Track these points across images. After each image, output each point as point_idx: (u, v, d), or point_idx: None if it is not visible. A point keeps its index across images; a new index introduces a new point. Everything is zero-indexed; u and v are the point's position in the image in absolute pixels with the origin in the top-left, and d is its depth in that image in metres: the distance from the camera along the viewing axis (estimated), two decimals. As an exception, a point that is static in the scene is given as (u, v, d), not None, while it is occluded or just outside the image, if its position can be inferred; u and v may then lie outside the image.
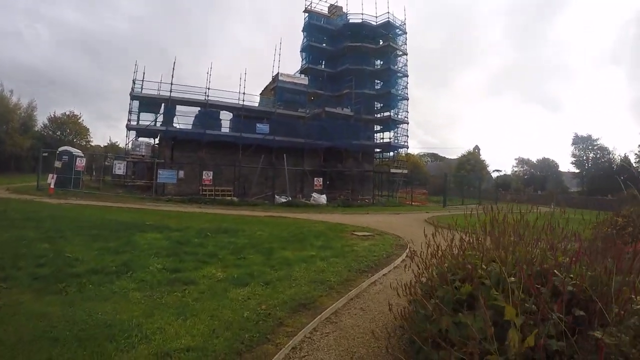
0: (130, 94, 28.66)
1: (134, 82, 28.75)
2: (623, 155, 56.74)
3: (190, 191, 26.78)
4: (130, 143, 30.54)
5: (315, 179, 28.33)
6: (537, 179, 66.82)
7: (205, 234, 10.06)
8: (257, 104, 34.57)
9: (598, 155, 59.07)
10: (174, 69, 30.76)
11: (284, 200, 25.46)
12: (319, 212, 20.91)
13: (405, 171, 37.13)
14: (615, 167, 56.15)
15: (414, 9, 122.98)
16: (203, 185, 26.03)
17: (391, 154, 39.87)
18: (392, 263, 7.91)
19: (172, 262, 6.82)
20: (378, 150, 40.80)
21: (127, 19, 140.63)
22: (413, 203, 31.50)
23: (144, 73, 30.78)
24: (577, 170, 61.46)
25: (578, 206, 40.56)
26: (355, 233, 11.98)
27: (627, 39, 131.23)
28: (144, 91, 29.25)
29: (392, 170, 35.85)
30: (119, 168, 28.61)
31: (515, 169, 72.90)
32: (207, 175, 25.46)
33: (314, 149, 32.67)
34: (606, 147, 58.74)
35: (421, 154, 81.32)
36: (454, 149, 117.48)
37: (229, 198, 25.37)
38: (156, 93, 29.32)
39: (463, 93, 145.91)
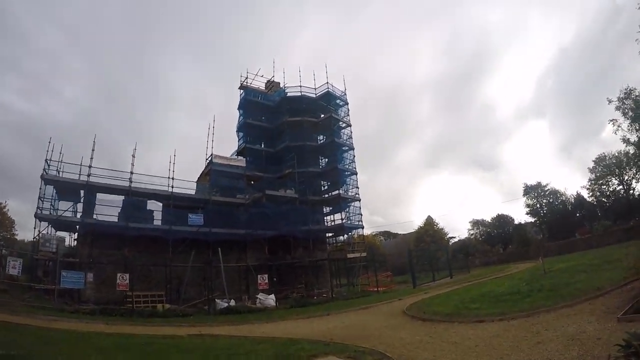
0: (41, 177, 24.68)
1: (47, 163, 24.99)
2: (575, 193, 60.75)
3: (113, 298, 22.72)
4: (39, 236, 26.32)
5: (259, 276, 25.05)
6: (495, 237, 68.12)
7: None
8: (193, 192, 31.76)
9: (552, 200, 62.25)
10: (93, 149, 26.58)
11: (224, 305, 22.14)
12: (267, 320, 17.58)
13: (364, 254, 34.83)
14: (570, 207, 60.21)
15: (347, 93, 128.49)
16: (127, 291, 22.15)
17: (345, 236, 37.75)
18: None
19: None
20: (330, 234, 38.63)
21: (70, 108, 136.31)
22: (379, 289, 28.92)
23: (61, 153, 26.63)
24: (534, 219, 63.67)
25: (555, 253, 39.72)
26: (317, 360, 8.68)
27: (545, 90, 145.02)
28: (63, 174, 25.82)
29: (350, 255, 33.41)
30: (14, 267, 23.97)
31: (472, 231, 74.14)
32: (123, 279, 21.39)
33: (257, 240, 29.91)
34: (557, 190, 62.46)
35: (374, 233, 79.86)
36: (403, 225, 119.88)
37: (160, 306, 21.73)
38: (76, 178, 25.84)
39: (403, 168, 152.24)
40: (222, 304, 22.34)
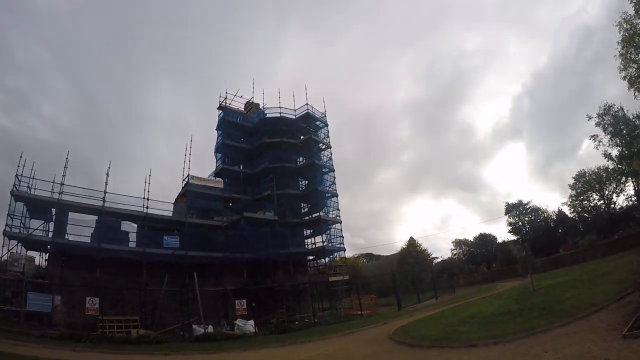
0: (11, 192, 23.66)
1: (17, 178, 23.97)
2: (557, 210, 62.36)
3: (85, 322, 21.55)
4: (7, 255, 25.05)
5: (237, 301, 24.30)
6: (479, 256, 69.55)
7: None
8: (170, 214, 30.83)
9: (534, 217, 63.91)
10: (66, 166, 25.75)
11: (201, 331, 21.29)
12: (245, 348, 16.79)
13: (347, 277, 34.26)
14: (552, 223, 61.63)
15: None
16: (97, 315, 21.12)
17: (326, 259, 37.25)
18: None
19: None
20: (311, 257, 38.04)
21: (49, 126, 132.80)
22: (363, 313, 28.34)
23: (32, 169, 25.37)
24: (517, 237, 64.25)
25: (540, 270, 39.56)
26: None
27: (521, 112, 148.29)
28: (35, 191, 24.81)
29: (332, 278, 32.79)
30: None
31: (455, 251, 75.86)
32: (92, 303, 20.52)
33: (235, 263, 29.16)
34: (539, 207, 64.09)
35: (356, 255, 79.50)
36: (386, 246, 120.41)
37: (135, 332, 20.89)
38: (48, 195, 24.97)
39: (384, 190, 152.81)
40: (199, 330, 21.56)
